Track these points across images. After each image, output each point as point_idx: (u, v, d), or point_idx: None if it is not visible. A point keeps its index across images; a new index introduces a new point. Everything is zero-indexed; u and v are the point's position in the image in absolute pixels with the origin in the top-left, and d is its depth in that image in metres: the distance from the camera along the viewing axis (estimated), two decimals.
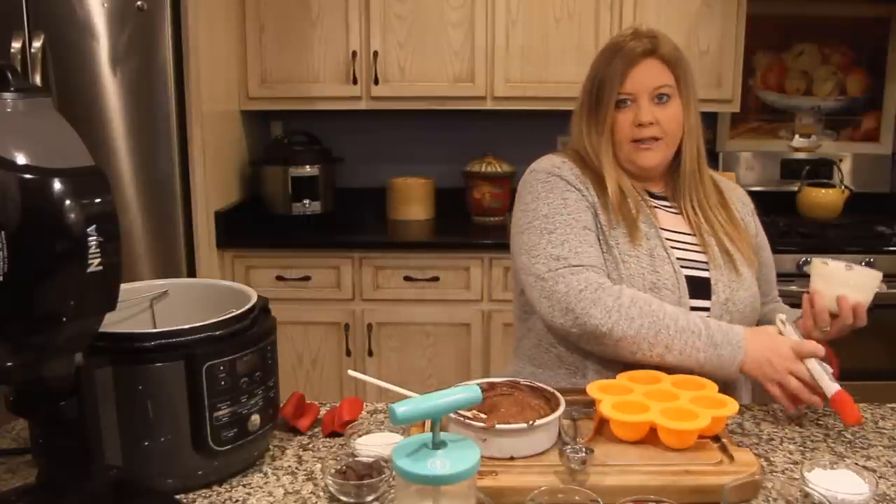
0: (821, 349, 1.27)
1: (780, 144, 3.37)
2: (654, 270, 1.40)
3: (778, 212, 3.16)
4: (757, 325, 1.51)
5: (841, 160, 3.30)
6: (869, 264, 2.69)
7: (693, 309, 1.40)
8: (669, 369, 1.33)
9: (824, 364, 1.26)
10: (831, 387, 1.24)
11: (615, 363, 1.37)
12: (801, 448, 1.20)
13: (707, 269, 1.44)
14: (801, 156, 3.33)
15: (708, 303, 1.42)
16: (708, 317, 1.41)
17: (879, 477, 1.10)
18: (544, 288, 1.38)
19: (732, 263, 1.46)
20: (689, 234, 1.48)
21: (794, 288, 2.72)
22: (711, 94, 2.94)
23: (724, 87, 2.94)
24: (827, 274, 1.33)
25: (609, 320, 1.32)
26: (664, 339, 1.31)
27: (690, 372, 1.30)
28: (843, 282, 1.31)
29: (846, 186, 3.15)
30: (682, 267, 1.43)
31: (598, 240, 1.43)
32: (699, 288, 1.43)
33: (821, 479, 1.00)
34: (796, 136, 3.36)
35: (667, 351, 1.31)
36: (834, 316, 1.32)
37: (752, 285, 1.48)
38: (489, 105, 2.98)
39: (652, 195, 1.52)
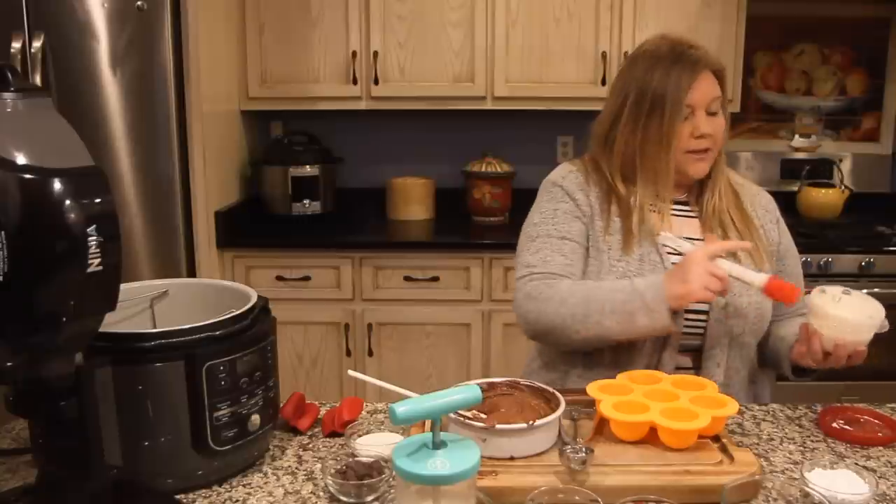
0: (727, 244, 1.31)
1: (780, 144, 3.36)
2: (642, 274, 1.41)
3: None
4: (767, 337, 1.50)
5: (841, 160, 3.30)
6: (867, 264, 2.70)
7: (689, 311, 1.40)
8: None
9: (739, 262, 1.31)
10: (758, 278, 1.26)
11: (597, 367, 1.42)
12: (801, 448, 1.20)
13: None
14: (801, 156, 3.33)
15: (706, 306, 1.42)
16: (706, 321, 1.42)
17: (879, 477, 1.10)
18: (515, 297, 1.46)
19: None
20: (699, 240, 1.48)
21: None
22: None
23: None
24: (825, 315, 1.28)
25: (539, 310, 1.39)
26: (596, 308, 1.35)
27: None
28: (841, 326, 1.26)
29: (846, 186, 3.15)
30: None
31: (585, 247, 1.46)
32: None
33: (821, 479, 1.00)
34: (796, 136, 3.36)
35: (602, 316, 1.34)
36: (828, 354, 1.29)
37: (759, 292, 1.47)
38: (489, 105, 2.98)
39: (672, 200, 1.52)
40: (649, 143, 1.44)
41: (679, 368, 1.43)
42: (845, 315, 1.26)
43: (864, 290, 2.86)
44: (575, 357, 1.47)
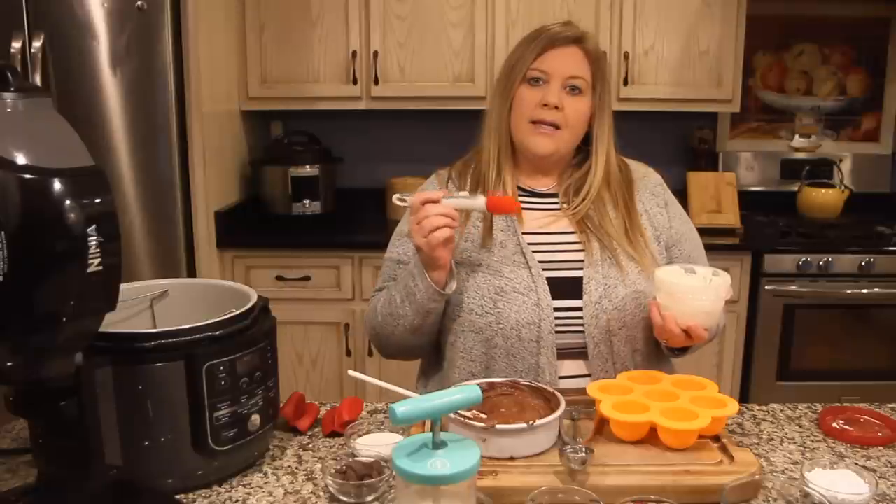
0: (428, 195, 1.29)
1: (780, 144, 3.36)
2: (503, 276, 1.38)
3: (778, 212, 3.16)
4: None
5: (841, 160, 3.30)
6: (867, 264, 2.70)
7: (559, 309, 1.36)
8: (668, 369, 1.32)
9: (456, 194, 1.33)
10: (478, 201, 1.30)
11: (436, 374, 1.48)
12: (801, 448, 1.20)
13: (582, 269, 1.40)
14: (801, 156, 3.33)
15: (579, 302, 1.37)
16: (581, 316, 1.37)
17: (879, 477, 1.10)
18: None
19: (615, 259, 1.39)
20: (571, 233, 1.43)
21: (794, 288, 2.72)
22: (711, 94, 2.94)
23: (724, 87, 2.93)
24: (675, 293, 1.26)
25: (369, 324, 1.50)
26: (395, 302, 1.39)
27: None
28: (693, 306, 1.25)
29: (846, 186, 3.14)
30: (546, 269, 1.38)
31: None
32: (569, 288, 1.38)
33: (821, 479, 1.00)
34: (796, 136, 3.36)
35: (399, 308, 1.38)
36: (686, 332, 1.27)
37: (638, 282, 1.39)
38: (489, 105, 2.97)
39: (537, 193, 1.49)
40: (502, 113, 1.47)
41: (565, 377, 1.38)
42: (699, 296, 1.26)
43: (864, 290, 2.86)
44: (451, 370, 1.43)
